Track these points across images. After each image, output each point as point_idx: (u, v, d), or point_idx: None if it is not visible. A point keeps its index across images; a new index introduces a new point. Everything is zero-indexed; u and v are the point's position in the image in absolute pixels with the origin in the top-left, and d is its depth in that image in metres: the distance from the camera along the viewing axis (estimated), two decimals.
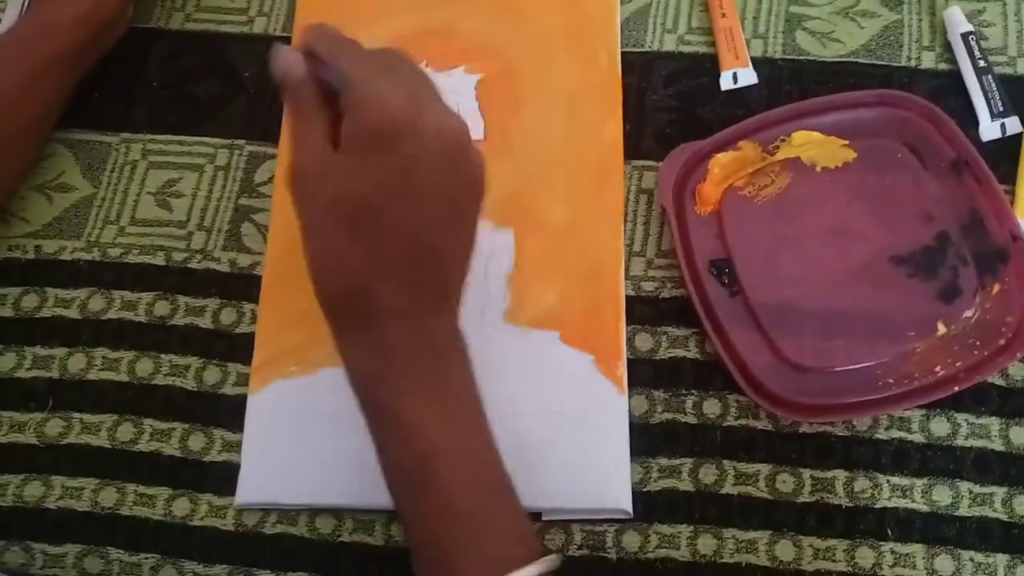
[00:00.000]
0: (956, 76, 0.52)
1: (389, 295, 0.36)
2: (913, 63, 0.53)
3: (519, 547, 0.37)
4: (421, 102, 0.36)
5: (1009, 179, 0.49)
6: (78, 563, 0.46)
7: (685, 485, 0.45)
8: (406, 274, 0.37)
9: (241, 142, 0.54)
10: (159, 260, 0.51)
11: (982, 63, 0.51)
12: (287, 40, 0.56)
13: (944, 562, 0.43)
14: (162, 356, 0.49)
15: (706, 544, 0.44)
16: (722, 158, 0.51)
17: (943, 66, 0.53)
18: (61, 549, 0.46)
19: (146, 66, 0.56)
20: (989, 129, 0.51)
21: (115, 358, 0.49)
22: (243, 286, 0.50)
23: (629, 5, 0.55)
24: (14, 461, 0.48)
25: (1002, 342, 0.45)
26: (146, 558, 0.46)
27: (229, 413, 0.48)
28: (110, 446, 0.48)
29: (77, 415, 0.48)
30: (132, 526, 0.46)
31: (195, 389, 0.49)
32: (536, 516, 0.45)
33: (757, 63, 0.53)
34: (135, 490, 0.47)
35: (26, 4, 0.58)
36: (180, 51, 0.57)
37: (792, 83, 0.53)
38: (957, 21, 0.52)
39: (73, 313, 0.51)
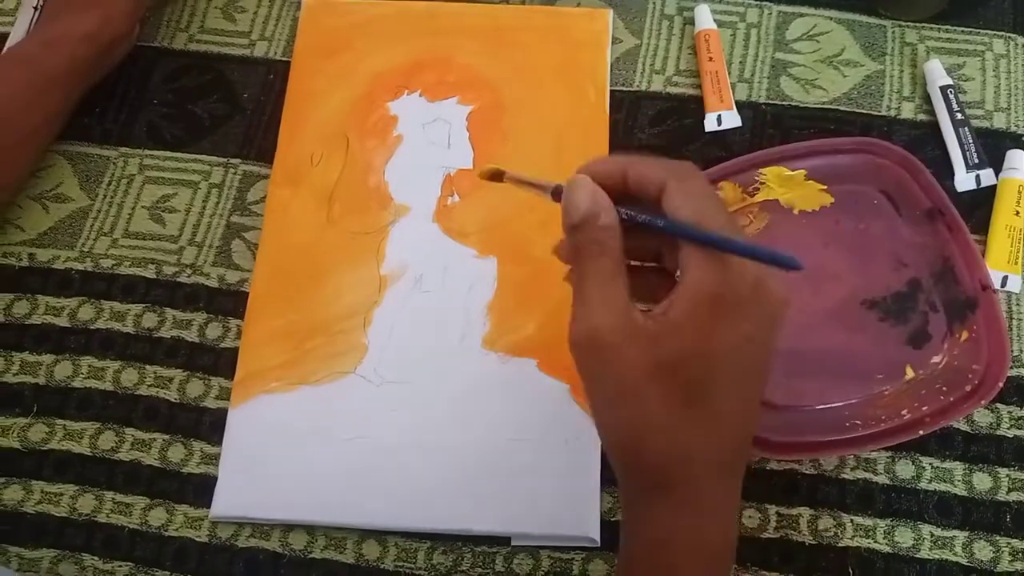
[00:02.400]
0: (934, 127, 0.53)
1: (711, 474, 0.34)
2: (893, 113, 0.54)
3: None
4: (763, 270, 0.32)
5: (982, 229, 0.51)
6: (53, 568, 0.46)
7: None
8: (728, 448, 0.34)
9: (236, 161, 0.55)
10: (150, 273, 0.53)
11: (959, 116, 0.53)
12: (286, 65, 0.57)
13: None
14: (147, 367, 0.50)
15: None
16: None
17: (922, 117, 0.54)
18: (37, 553, 0.47)
19: (148, 83, 0.58)
20: (964, 180, 0.52)
21: (101, 367, 0.50)
22: (230, 302, 0.52)
23: (620, 45, 0.57)
24: None
25: (968, 388, 0.46)
26: (120, 566, 0.46)
27: (210, 426, 0.49)
28: (91, 453, 0.49)
29: (60, 421, 0.49)
30: (108, 533, 0.47)
31: (178, 401, 0.50)
32: (505, 540, 0.46)
33: (741, 106, 0.55)
34: (113, 498, 0.48)
35: (35, 19, 0.59)
36: (182, 71, 0.58)
37: (775, 127, 0.54)
38: (937, 74, 0.54)
39: (63, 321, 0.52)
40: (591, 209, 0.32)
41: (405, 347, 0.49)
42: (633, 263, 0.35)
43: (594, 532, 0.45)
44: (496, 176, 0.38)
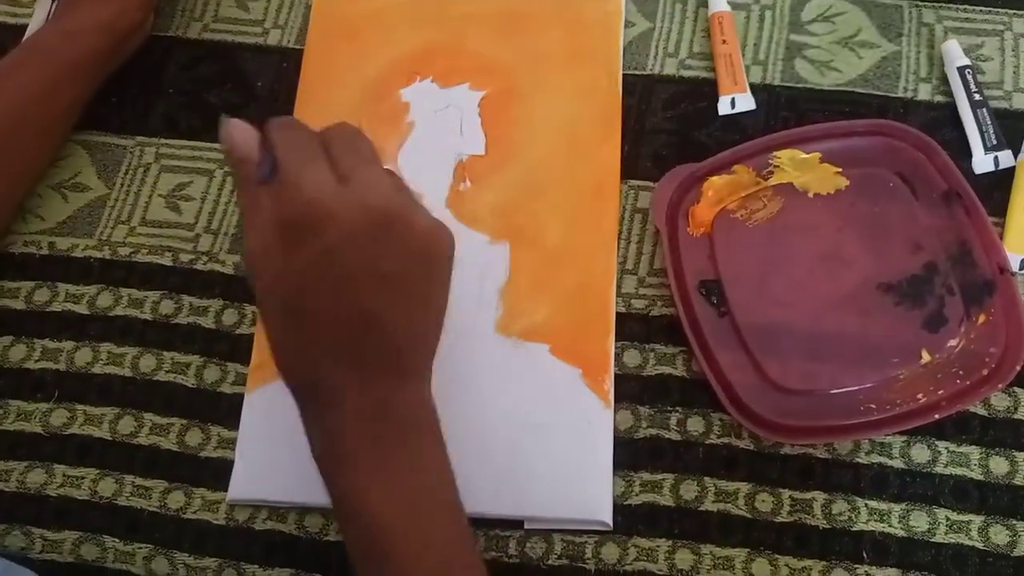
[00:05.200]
0: (951, 109, 0.53)
1: (337, 375, 0.37)
2: (910, 94, 0.54)
3: None
4: (347, 183, 0.35)
5: (1000, 212, 0.50)
6: (75, 549, 0.47)
7: (666, 500, 0.46)
8: (350, 355, 0.36)
9: None
10: (167, 260, 0.53)
11: (978, 97, 0.52)
12: (299, 53, 0.58)
13: None
14: (165, 353, 0.51)
15: (684, 559, 0.45)
16: (716, 181, 0.52)
17: (939, 98, 0.53)
18: (59, 535, 0.48)
19: (163, 73, 0.58)
20: (982, 162, 0.51)
21: (120, 353, 0.51)
22: (246, 288, 0.52)
23: (632, 29, 0.57)
24: (19, 449, 0.50)
25: (985, 372, 0.46)
26: (140, 548, 0.47)
27: (226, 411, 0.49)
28: (111, 438, 0.49)
29: (81, 407, 0.50)
30: (128, 516, 0.48)
31: (195, 386, 0.50)
32: (518, 524, 0.46)
33: (755, 89, 0.54)
34: (132, 481, 0.49)
35: (52, 10, 0.60)
36: (196, 60, 0.59)
37: (789, 110, 0.54)
38: (955, 55, 0.53)
39: (82, 308, 0.52)
40: (232, 141, 0.36)
41: None
42: None
43: (607, 516, 0.45)
44: None
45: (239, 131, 0.36)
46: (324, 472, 0.38)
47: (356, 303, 0.36)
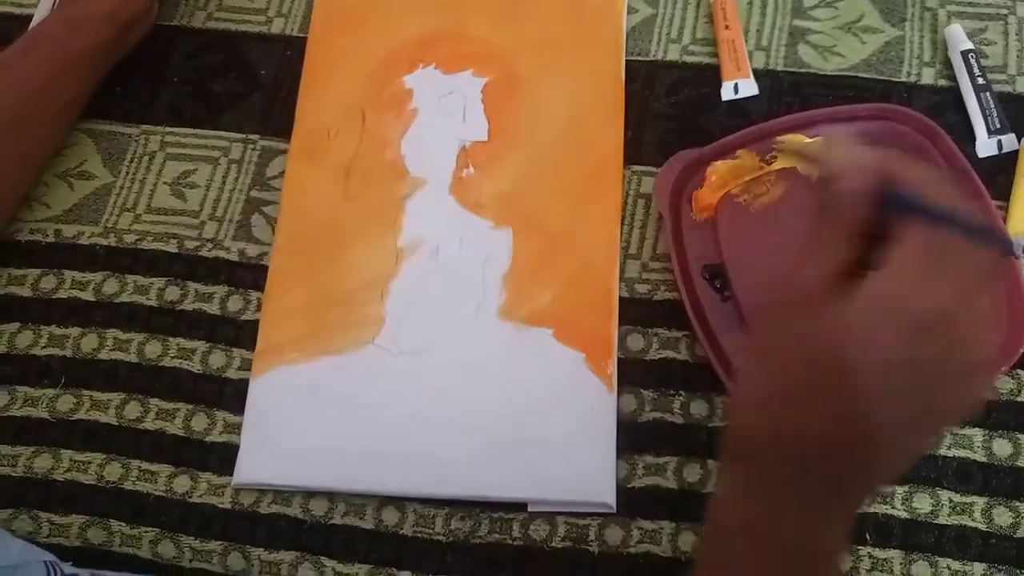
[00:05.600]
0: (955, 93, 0.53)
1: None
2: (913, 79, 0.54)
3: None
4: (969, 310, 0.29)
5: (1003, 195, 0.50)
6: (82, 533, 0.48)
7: (669, 483, 0.46)
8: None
9: (255, 137, 0.56)
10: (172, 247, 0.54)
11: (981, 80, 0.52)
12: (303, 41, 0.58)
13: (921, 568, 0.44)
14: (170, 339, 0.51)
15: (687, 541, 0.45)
16: (720, 166, 0.52)
17: (943, 82, 0.53)
18: (67, 519, 0.48)
19: (168, 62, 0.59)
20: (985, 145, 0.51)
21: (126, 339, 0.52)
22: (250, 275, 0.52)
23: (635, 15, 0.57)
24: (27, 434, 0.50)
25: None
26: (146, 531, 0.47)
27: (232, 396, 0.50)
28: (117, 423, 0.50)
29: (87, 392, 0.51)
30: (134, 500, 0.48)
31: (200, 372, 0.51)
32: (522, 507, 0.46)
33: (759, 75, 0.54)
34: (139, 466, 0.49)
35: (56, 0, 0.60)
36: (201, 48, 0.59)
37: (792, 95, 0.54)
38: (958, 39, 0.53)
39: (88, 295, 0.53)
40: (858, 184, 0.31)
41: (422, 318, 0.50)
42: None
43: (610, 498, 0.46)
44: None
45: (847, 147, 0.31)
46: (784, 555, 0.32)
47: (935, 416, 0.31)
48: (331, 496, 0.47)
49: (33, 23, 0.59)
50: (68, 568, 0.43)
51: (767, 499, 0.32)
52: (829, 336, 0.30)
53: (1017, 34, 0.54)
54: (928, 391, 0.30)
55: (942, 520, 0.45)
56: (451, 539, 0.46)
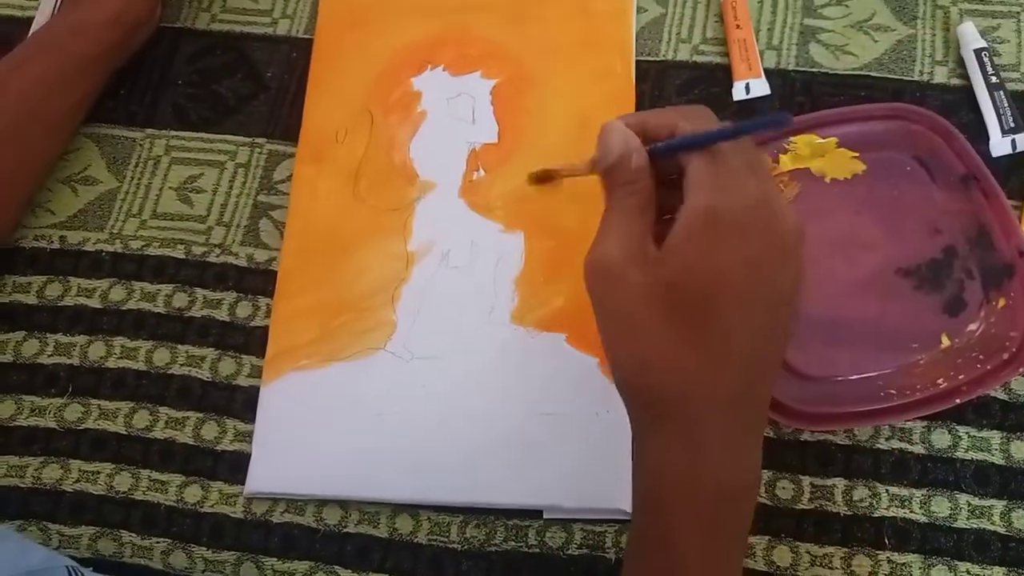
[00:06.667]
0: (968, 91, 0.52)
1: (709, 402, 0.33)
2: (925, 77, 0.53)
3: None
4: (771, 194, 0.32)
5: (1018, 195, 0.50)
6: (92, 544, 0.47)
7: None
8: (729, 382, 0.33)
9: (261, 140, 0.55)
10: (179, 253, 0.53)
11: (994, 79, 0.52)
12: (309, 42, 0.57)
13: (940, 573, 0.44)
14: (179, 347, 0.51)
15: None
16: None
17: (955, 81, 0.53)
18: (76, 531, 0.47)
19: (172, 65, 0.58)
20: (999, 144, 0.51)
21: (133, 347, 0.51)
22: (259, 281, 0.52)
23: (645, 15, 0.56)
24: (34, 444, 0.49)
25: (1005, 356, 0.45)
26: (157, 542, 0.47)
27: (242, 404, 0.49)
28: (126, 432, 0.49)
29: (95, 401, 0.50)
30: (145, 510, 0.48)
31: (210, 379, 0.50)
32: (537, 514, 0.46)
33: (770, 74, 0.54)
34: (149, 476, 0.48)
35: (58, 3, 0.59)
36: (205, 51, 0.58)
37: (804, 95, 0.53)
38: (971, 37, 0.53)
39: (95, 302, 0.52)
40: (624, 151, 0.34)
41: (434, 322, 0.49)
42: (666, 217, 0.35)
43: (626, 504, 0.45)
44: (545, 178, 0.41)
45: (633, 140, 0.34)
46: (652, 491, 0.35)
47: (767, 333, 0.33)
48: (344, 504, 0.47)
49: (34, 27, 0.59)
50: (89, 573, 0.43)
51: (688, 447, 0.33)
52: (664, 286, 0.32)
53: None
54: (769, 284, 0.32)
55: (961, 524, 0.44)
56: (466, 547, 0.46)
